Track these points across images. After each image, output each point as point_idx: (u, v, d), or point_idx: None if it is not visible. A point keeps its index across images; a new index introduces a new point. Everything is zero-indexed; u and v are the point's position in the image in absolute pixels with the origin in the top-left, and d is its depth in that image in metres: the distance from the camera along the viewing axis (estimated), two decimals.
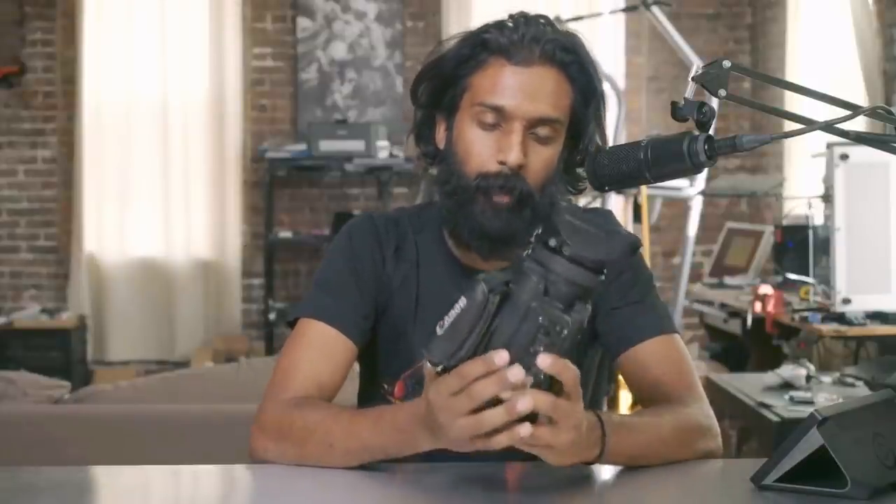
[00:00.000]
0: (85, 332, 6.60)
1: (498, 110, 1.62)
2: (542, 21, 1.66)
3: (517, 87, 1.62)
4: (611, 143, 1.73)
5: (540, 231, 1.25)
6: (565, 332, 1.23)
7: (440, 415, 1.29)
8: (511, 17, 1.68)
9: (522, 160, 1.61)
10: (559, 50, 1.63)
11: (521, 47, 1.63)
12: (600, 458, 1.42)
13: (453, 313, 1.23)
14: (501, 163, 1.62)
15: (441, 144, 1.71)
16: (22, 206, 6.76)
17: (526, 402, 1.24)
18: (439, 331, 1.24)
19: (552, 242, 1.23)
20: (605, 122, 1.71)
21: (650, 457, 1.51)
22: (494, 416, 1.26)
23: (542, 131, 1.63)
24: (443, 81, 1.68)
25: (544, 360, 1.24)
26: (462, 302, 1.22)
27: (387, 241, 1.75)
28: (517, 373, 1.23)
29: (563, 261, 1.22)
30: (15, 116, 6.72)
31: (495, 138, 1.63)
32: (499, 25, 1.66)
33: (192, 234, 6.71)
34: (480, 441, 1.28)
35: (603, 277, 1.25)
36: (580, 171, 1.72)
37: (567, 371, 1.27)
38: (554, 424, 1.29)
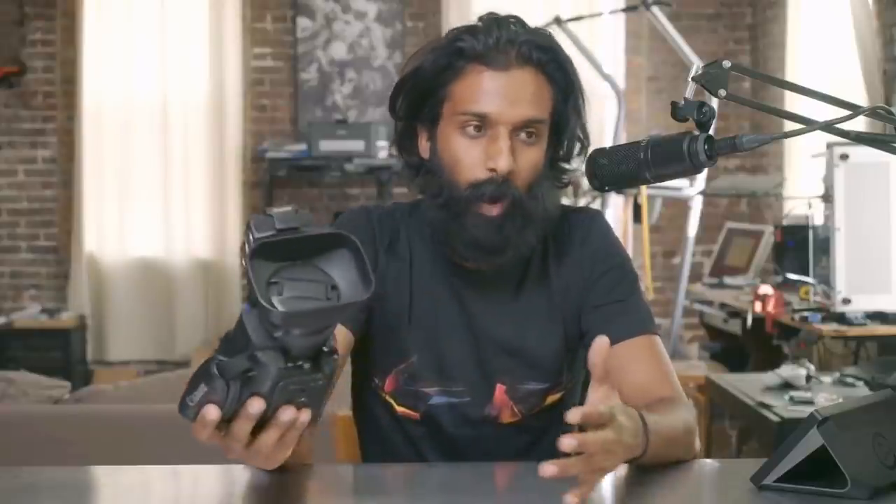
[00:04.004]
0: (85, 332, 6.60)
1: (482, 117, 1.62)
2: (513, 22, 1.66)
3: (498, 93, 1.62)
4: (611, 143, 1.73)
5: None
6: (321, 382, 1.20)
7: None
8: (481, 20, 1.67)
9: (513, 165, 1.61)
10: (535, 50, 1.64)
11: (498, 51, 1.62)
12: (641, 458, 1.42)
13: (196, 395, 1.18)
14: (491, 170, 1.62)
15: (425, 154, 1.71)
16: (22, 206, 6.76)
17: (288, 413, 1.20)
18: (190, 404, 1.19)
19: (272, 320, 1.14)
20: (586, 115, 1.72)
21: (665, 456, 1.51)
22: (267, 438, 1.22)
23: (528, 133, 1.64)
24: (421, 93, 1.67)
25: (574, 416, 1.26)
26: (202, 389, 1.18)
27: (381, 235, 1.75)
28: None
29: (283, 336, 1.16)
30: (15, 116, 6.72)
31: (482, 146, 1.63)
32: (471, 31, 1.65)
33: (192, 234, 6.71)
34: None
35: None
36: (565, 165, 1.72)
37: (593, 416, 1.29)
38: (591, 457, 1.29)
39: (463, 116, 1.63)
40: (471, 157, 1.63)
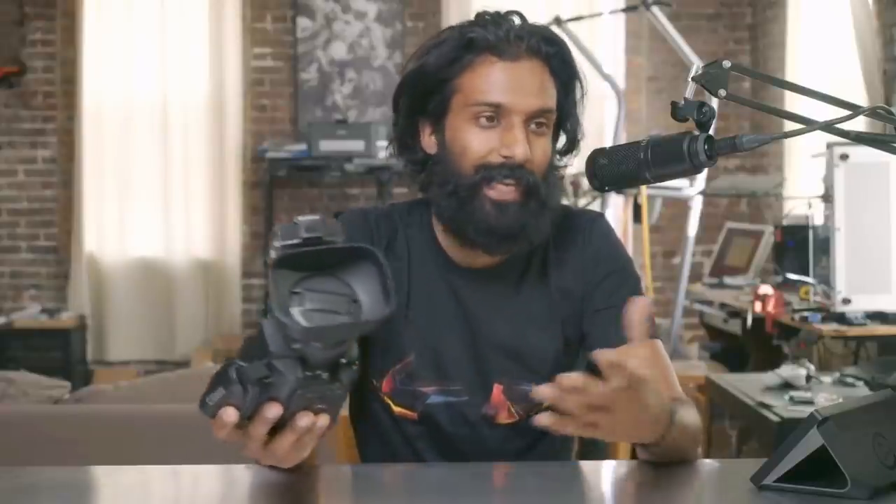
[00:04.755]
0: (85, 332, 6.60)
1: (496, 107, 1.63)
2: (515, 16, 1.68)
3: (511, 83, 1.63)
4: (611, 143, 1.74)
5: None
6: (339, 391, 1.21)
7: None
8: (480, 16, 1.68)
9: (529, 154, 1.62)
10: (543, 43, 1.66)
11: (509, 43, 1.64)
12: (656, 445, 1.43)
13: (215, 396, 1.21)
14: (506, 157, 1.62)
15: (430, 150, 1.70)
16: (22, 206, 6.76)
17: (305, 419, 1.23)
18: (209, 403, 1.23)
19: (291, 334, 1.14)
20: (583, 109, 1.73)
21: (679, 451, 1.52)
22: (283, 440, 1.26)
23: (538, 123, 1.65)
24: (428, 86, 1.68)
25: (602, 356, 1.27)
26: (220, 391, 1.20)
27: (378, 236, 1.75)
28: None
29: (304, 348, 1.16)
30: (15, 116, 6.72)
31: (496, 134, 1.63)
32: (477, 24, 1.66)
33: (192, 234, 6.71)
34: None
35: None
36: (559, 161, 1.73)
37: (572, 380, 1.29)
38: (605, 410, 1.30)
39: (476, 107, 1.63)
40: (483, 145, 1.64)
